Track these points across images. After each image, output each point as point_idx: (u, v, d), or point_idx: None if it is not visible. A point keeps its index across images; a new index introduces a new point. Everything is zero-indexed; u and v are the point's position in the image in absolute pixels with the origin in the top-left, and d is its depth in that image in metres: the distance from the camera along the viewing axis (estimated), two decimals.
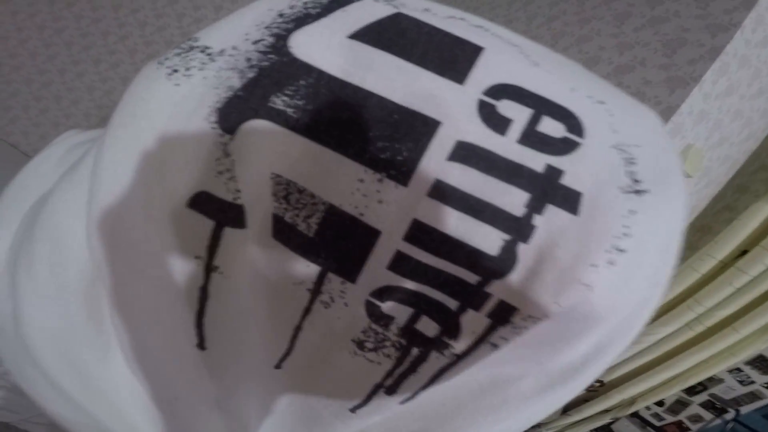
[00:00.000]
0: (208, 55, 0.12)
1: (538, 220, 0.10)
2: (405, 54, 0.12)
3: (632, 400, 1.25)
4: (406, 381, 0.12)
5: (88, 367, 0.14)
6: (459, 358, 0.12)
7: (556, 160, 0.11)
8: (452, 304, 0.11)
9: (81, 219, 0.13)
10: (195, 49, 0.13)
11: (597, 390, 1.30)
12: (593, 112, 0.12)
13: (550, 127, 0.11)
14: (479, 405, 0.13)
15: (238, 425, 0.14)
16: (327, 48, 0.12)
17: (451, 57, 0.12)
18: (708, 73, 0.69)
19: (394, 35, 0.12)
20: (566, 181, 0.11)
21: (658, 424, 1.66)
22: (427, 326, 0.11)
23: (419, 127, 0.11)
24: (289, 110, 0.11)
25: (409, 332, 0.11)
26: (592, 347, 0.12)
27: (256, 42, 0.12)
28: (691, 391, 1.57)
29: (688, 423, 1.62)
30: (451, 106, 0.11)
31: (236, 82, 0.12)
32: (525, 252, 0.10)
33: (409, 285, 0.11)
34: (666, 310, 1.09)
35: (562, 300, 0.11)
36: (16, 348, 0.14)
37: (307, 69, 0.12)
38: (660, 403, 1.62)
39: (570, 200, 0.11)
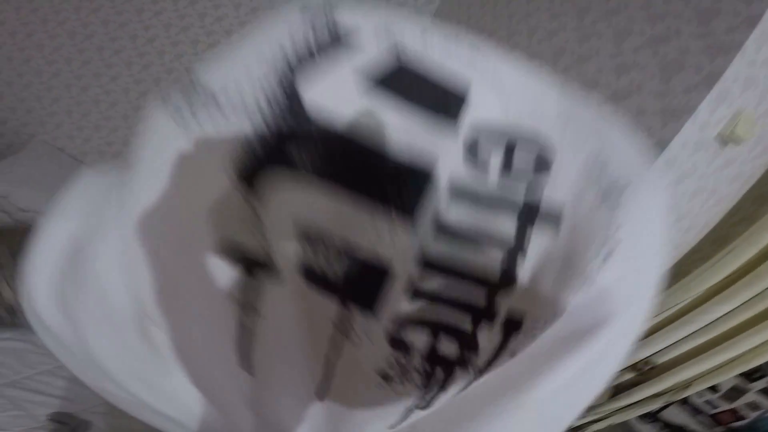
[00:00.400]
0: (217, 102, 0.13)
1: (528, 236, 0.12)
2: (405, 106, 0.13)
3: (687, 384, 1.21)
4: (438, 399, 0.13)
5: (152, 379, 0.16)
6: (482, 370, 0.13)
7: (533, 188, 0.13)
8: (467, 322, 0.12)
9: (116, 268, 0.14)
10: (202, 94, 0.13)
11: (648, 373, 1.26)
12: (561, 133, 0.13)
13: (524, 158, 0.13)
14: (494, 410, 0.13)
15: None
16: (336, 99, 0.13)
17: (443, 107, 0.14)
18: (749, 41, 0.69)
19: (395, 87, 0.13)
20: (544, 205, 0.13)
21: (711, 411, 1.58)
22: (448, 348, 0.13)
23: (420, 174, 0.13)
24: (304, 160, 0.12)
25: (432, 356, 0.13)
26: (604, 344, 0.13)
27: (263, 87, 0.13)
28: (749, 377, 1.49)
29: (744, 411, 1.54)
30: (443, 153, 0.13)
31: (251, 136, 0.12)
32: (523, 265, 0.12)
33: (426, 313, 0.12)
34: (724, 286, 1.05)
35: (565, 296, 0.12)
36: (86, 364, 0.16)
37: (319, 124, 0.13)
38: (714, 390, 1.54)
39: (552, 215, 0.13)
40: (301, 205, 0.12)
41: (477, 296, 0.12)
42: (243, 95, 0.13)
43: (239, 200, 0.12)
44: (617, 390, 1.28)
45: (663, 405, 1.29)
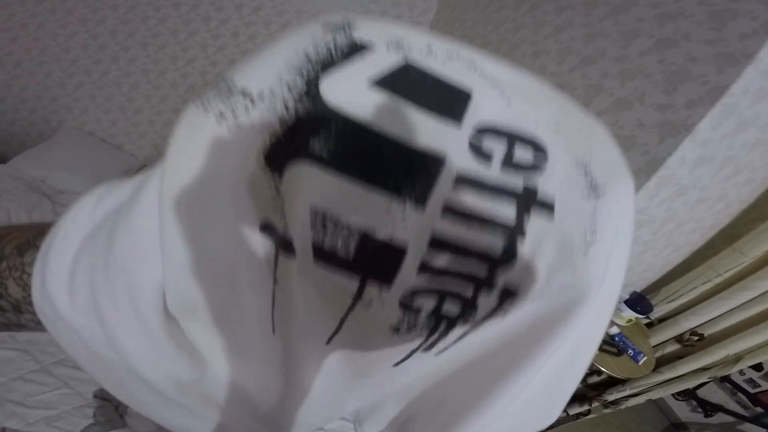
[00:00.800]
0: (250, 98, 0.15)
1: (525, 225, 0.14)
2: (415, 101, 0.15)
3: (737, 358, 1.13)
4: (438, 344, 0.15)
5: (185, 378, 0.18)
6: (478, 324, 0.15)
7: (530, 181, 0.15)
8: (469, 290, 0.14)
9: (145, 260, 0.16)
10: (236, 93, 0.15)
11: (694, 345, 1.20)
12: (553, 137, 0.16)
13: (522, 155, 0.15)
14: (493, 366, 0.16)
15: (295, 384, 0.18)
16: (352, 96, 0.15)
17: (449, 105, 0.15)
18: None
19: (405, 85, 0.15)
20: (540, 196, 0.15)
21: (752, 391, 1.48)
22: (451, 308, 0.15)
23: (430, 164, 0.14)
24: (324, 153, 0.14)
25: (437, 314, 0.15)
26: (581, 320, 0.15)
27: (290, 86, 0.15)
28: None
29: None
30: (451, 145, 0.15)
31: (277, 127, 0.14)
32: (521, 250, 0.14)
33: (434, 283, 0.14)
34: None
35: (552, 283, 0.15)
36: (119, 371, 0.18)
37: (337, 116, 0.14)
38: (758, 368, 1.44)
39: (546, 210, 0.15)
40: (320, 196, 0.14)
41: (479, 270, 0.14)
42: (273, 93, 0.14)
43: (268, 183, 0.14)
44: (659, 363, 1.22)
45: (707, 380, 1.22)
